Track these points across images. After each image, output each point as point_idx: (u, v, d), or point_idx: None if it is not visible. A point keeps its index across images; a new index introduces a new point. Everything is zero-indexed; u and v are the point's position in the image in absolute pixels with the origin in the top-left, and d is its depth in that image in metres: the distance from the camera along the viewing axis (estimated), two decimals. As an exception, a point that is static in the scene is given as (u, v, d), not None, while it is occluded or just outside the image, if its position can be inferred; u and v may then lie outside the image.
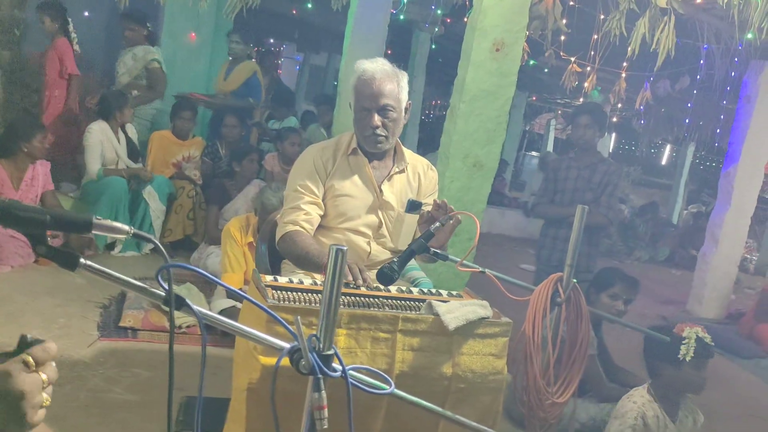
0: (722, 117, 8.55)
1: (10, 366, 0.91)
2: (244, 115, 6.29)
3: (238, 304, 3.81)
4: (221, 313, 3.04)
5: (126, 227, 1.10)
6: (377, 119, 2.43)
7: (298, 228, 2.42)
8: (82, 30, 6.28)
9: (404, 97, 2.50)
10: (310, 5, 6.71)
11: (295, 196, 2.49)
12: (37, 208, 1.04)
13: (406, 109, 2.52)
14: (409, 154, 2.67)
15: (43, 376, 0.94)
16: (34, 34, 5.70)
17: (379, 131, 2.45)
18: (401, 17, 6.79)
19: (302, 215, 2.45)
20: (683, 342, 2.60)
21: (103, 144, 5.10)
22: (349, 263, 2.20)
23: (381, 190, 2.54)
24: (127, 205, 5.04)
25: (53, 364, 0.96)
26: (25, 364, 0.92)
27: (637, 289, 3.57)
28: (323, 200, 2.53)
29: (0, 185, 4.31)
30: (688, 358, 2.59)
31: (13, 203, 1.03)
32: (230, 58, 6.60)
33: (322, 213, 2.52)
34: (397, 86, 2.46)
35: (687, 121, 8.82)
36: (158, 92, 5.99)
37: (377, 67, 2.45)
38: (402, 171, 2.61)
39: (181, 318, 3.62)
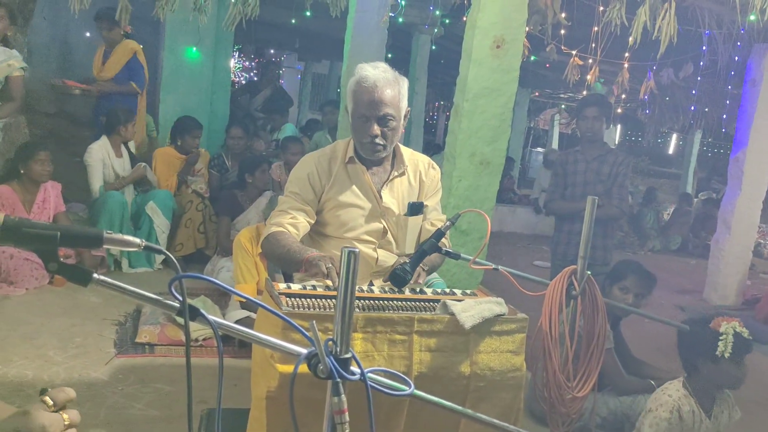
0: (728, 102, 8.50)
1: (30, 407, 1.00)
2: (247, 123, 6.27)
3: (253, 315, 3.81)
4: (236, 323, 3.03)
5: (137, 240, 1.10)
6: (376, 128, 2.38)
7: (281, 229, 2.38)
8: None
9: (404, 104, 2.45)
10: (308, 13, 6.71)
11: (284, 201, 2.47)
12: (47, 225, 1.04)
13: (405, 116, 2.47)
14: (408, 153, 2.62)
15: (65, 415, 1.05)
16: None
17: (378, 140, 2.39)
18: (400, 20, 6.78)
19: (288, 218, 2.41)
20: (720, 338, 2.51)
21: (104, 162, 5.13)
22: (318, 260, 2.15)
23: (380, 197, 2.50)
24: (129, 218, 5.05)
25: (76, 410, 1.05)
26: (44, 403, 1.04)
27: (650, 284, 3.51)
28: (323, 212, 2.50)
29: (12, 209, 4.32)
30: (726, 355, 2.50)
31: (24, 221, 1.03)
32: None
33: (311, 221, 2.48)
34: (398, 94, 2.40)
35: (692, 108, 8.76)
36: (19, 105, 4.90)
37: (378, 74, 2.38)
38: (402, 174, 2.56)
39: (197, 330, 3.62)
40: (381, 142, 2.41)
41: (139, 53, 5.92)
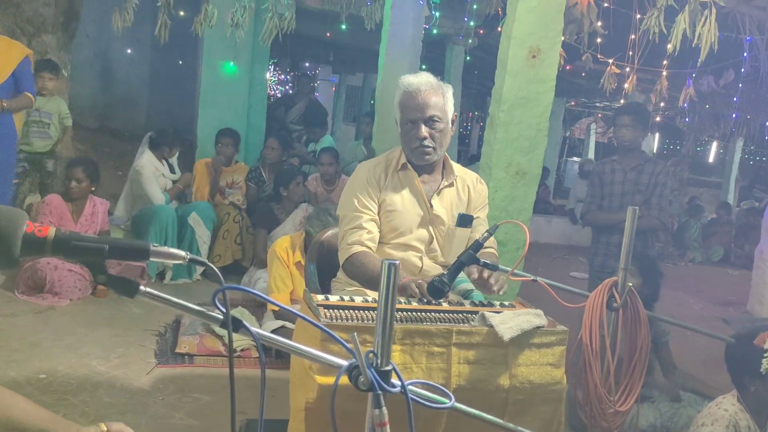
0: (771, 109, 8.31)
1: (85, 430, 1.00)
2: (284, 136, 6.34)
3: (288, 324, 3.84)
4: (272, 333, 3.06)
5: (182, 253, 1.12)
6: (424, 130, 2.43)
7: (364, 249, 2.41)
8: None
9: (450, 108, 2.50)
10: (343, 27, 6.77)
11: (354, 216, 2.48)
12: (95, 238, 1.07)
13: (452, 121, 2.52)
14: (457, 167, 2.66)
15: None
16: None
17: (426, 143, 2.44)
18: (434, 32, 6.81)
19: (365, 234, 2.44)
20: (765, 355, 2.39)
21: (154, 173, 5.32)
22: (409, 283, 2.19)
23: (431, 205, 2.53)
24: (176, 231, 5.14)
25: None
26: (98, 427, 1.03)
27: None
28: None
29: (60, 218, 4.53)
30: None
31: (73, 235, 1.06)
32: None
33: (380, 229, 2.52)
34: (442, 98, 2.46)
35: (734, 116, 8.58)
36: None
37: (422, 80, 2.46)
38: (451, 185, 2.59)
39: (235, 341, 3.66)
40: (430, 144, 2.45)
41: (31, 56, 4.79)
